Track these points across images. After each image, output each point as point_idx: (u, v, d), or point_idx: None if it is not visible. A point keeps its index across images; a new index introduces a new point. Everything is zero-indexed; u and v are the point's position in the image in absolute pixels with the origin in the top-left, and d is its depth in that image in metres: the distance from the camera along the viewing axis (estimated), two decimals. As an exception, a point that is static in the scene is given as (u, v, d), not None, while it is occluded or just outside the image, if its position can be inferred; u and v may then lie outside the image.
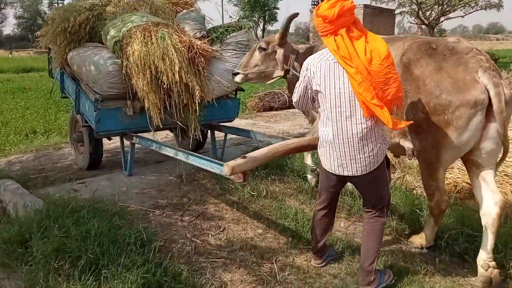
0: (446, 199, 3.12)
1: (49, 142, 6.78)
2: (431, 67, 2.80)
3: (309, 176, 4.43)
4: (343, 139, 2.47)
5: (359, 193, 2.82)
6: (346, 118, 2.44)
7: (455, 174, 5.60)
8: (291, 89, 4.01)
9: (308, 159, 4.42)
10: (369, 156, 2.49)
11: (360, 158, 2.49)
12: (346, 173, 2.56)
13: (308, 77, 2.58)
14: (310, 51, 3.83)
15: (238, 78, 4.09)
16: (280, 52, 3.94)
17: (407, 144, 3.07)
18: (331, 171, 2.63)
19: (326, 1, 2.42)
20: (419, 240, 3.39)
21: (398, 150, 3.35)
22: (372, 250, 2.68)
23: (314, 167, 4.34)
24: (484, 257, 2.86)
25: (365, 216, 2.78)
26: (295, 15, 3.99)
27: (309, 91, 2.63)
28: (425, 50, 2.90)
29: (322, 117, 2.60)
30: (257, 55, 4.02)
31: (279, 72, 4.00)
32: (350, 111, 2.42)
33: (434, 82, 2.76)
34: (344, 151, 2.49)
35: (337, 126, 2.48)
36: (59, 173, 5.11)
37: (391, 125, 2.36)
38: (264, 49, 3.98)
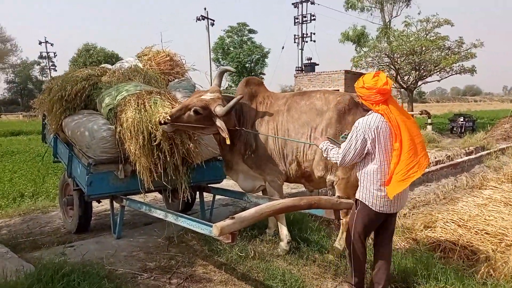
0: None
1: (36, 205, 6.76)
2: (359, 117, 3.54)
3: (283, 245, 4.41)
4: None
5: (387, 228, 3.40)
6: None
7: (437, 233, 5.74)
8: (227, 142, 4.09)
9: (284, 229, 4.45)
10: (407, 195, 3.32)
11: (405, 197, 3.33)
12: (393, 211, 3.26)
13: (372, 137, 3.09)
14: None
15: (167, 128, 4.04)
16: (219, 121, 3.95)
17: (331, 178, 4.06)
18: (382, 211, 3.21)
19: (374, 76, 3.15)
20: None
21: (319, 184, 4.32)
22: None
23: (290, 239, 4.44)
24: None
25: (385, 250, 3.43)
26: (240, 99, 4.10)
27: (367, 148, 3.13)
28: (353, 103, 4.02)
29: (377, 168, 3.13)
30: (192, 115, 3.98)
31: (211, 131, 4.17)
32: None
33: None
34: (398, 194, 3.10)
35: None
36: (47, 236, 5.10)
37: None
38: (200, 114, 3.97)
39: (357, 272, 3.45)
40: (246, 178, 4.52)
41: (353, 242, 3.36)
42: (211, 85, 4.52)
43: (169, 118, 3.99)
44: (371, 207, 3.20)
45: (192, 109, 3.97)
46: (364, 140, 3.11)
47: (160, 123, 4.05)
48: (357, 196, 3.32)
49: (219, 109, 3.94)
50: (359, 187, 3.31)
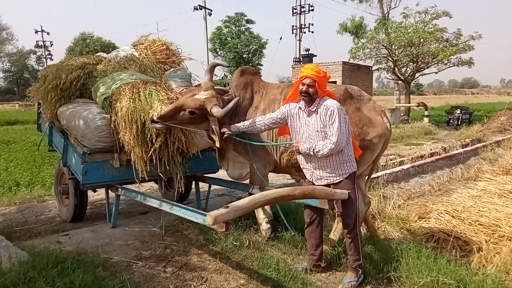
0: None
1: (32, 194, 6.77)
2: (353, 107, 3.98)
3: (264, 227, 4.42)
4: None
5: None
6: None
7: (432, 223, 5.79)
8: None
9: (260, 213, 4.47)
10: None
11: None
12: None
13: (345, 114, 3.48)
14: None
15: (158, 126, 4.00)
16: (214, 122, 3.92)
17: None
18: None
19: (315, 67, 3.48)
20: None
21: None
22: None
23: (268, 219, 4.46)
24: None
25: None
26: (237, 101, 4.10)
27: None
28: (347, 94, 4.06)
29: (350, 143, 3.53)
30: (186, 115, 3.93)
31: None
32: None
33: (357, 118, 3.93)
34: None
35: None
36: (43, 225, 5.11)
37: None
38: (195, 114, 3.92)
39: (361, 251, 3.64)
40: (234, 166, 4.56)
41: (358, 217, 3.59)
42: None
43: (159, 119, 3.94)
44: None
45: (187, 110, 3.92)
46: (346, 118, 3.47)
47: (152, 121, 4.00)
48: (352, 170, 3.54)
49: (216, 111, 3.83)
50: (349, 162, 3.52)
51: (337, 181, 3.53)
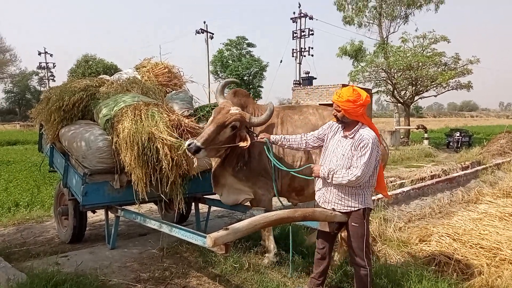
0: None
1: (31, 215, 6.75)
2: None
3: (271, 257, 4.42)
4: None
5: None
6: None
7: (433, 246, 5.75)
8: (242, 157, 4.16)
9: (272, 242, 4.44)
10: None
11: None
12: None
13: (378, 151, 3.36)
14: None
15: (202, 155, 3.79)
16: (243, 131, 3.91)
17: None
18: None
19: (353, 90, 3.28)
20: None
21: (307, 198, 4.48)
22: None
23: (277, 251, 4.45)
24: None
25: None
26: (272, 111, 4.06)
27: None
28: None
29: (373, 180, 3.41)
30: (228, 132, 3.85)
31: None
32: None
33: None
34: None
35: None
36: (42, 246, 5.08)
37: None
38: (236, 127, 3.89)
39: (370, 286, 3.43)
40: (229, 192, 4.45)
41: (367, 252, 3.39)
42: (209, 97, 4.51)
43: (204, 144, 3.69)
44: (371, 207, 3.52)
45: (230, 125, 3.84)
46: (378, 155, 3.36)
47: (194, 153, 3.70)
48: (363, 206, 3.36)
49: (257, 119, 3.99)
50: (362, 196, 3.36)
51: (344, 211, 3.39)
